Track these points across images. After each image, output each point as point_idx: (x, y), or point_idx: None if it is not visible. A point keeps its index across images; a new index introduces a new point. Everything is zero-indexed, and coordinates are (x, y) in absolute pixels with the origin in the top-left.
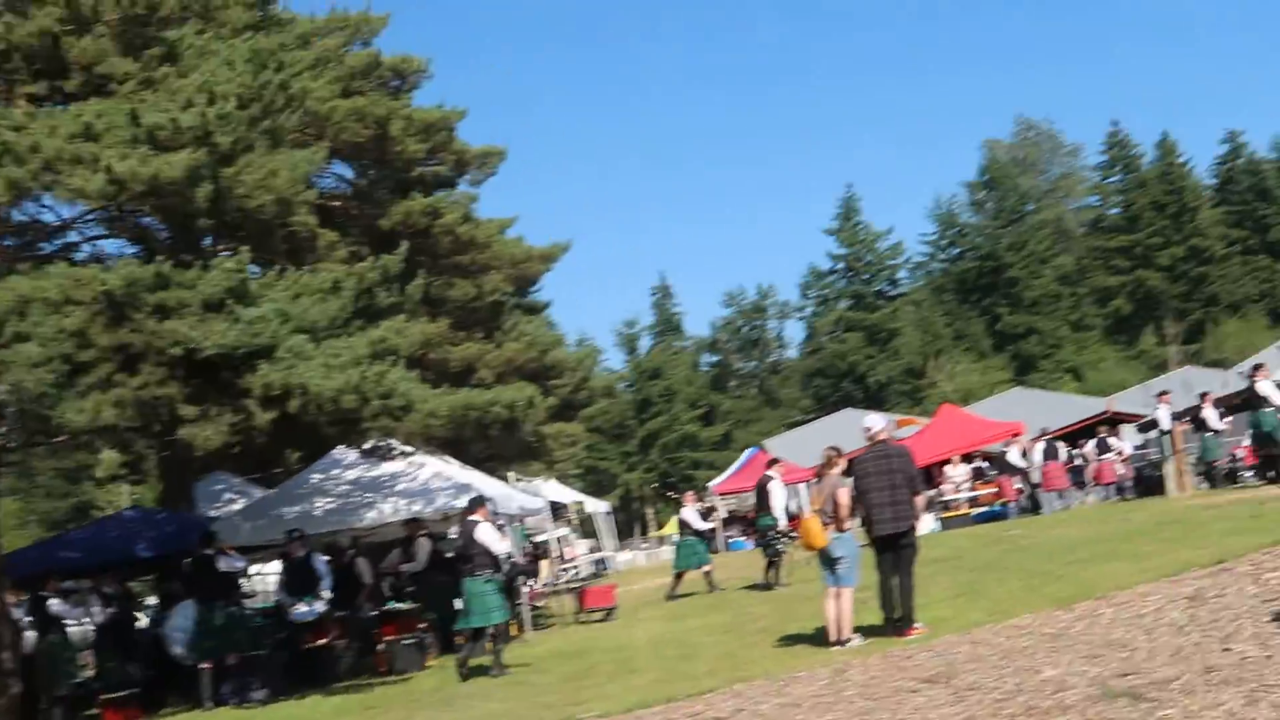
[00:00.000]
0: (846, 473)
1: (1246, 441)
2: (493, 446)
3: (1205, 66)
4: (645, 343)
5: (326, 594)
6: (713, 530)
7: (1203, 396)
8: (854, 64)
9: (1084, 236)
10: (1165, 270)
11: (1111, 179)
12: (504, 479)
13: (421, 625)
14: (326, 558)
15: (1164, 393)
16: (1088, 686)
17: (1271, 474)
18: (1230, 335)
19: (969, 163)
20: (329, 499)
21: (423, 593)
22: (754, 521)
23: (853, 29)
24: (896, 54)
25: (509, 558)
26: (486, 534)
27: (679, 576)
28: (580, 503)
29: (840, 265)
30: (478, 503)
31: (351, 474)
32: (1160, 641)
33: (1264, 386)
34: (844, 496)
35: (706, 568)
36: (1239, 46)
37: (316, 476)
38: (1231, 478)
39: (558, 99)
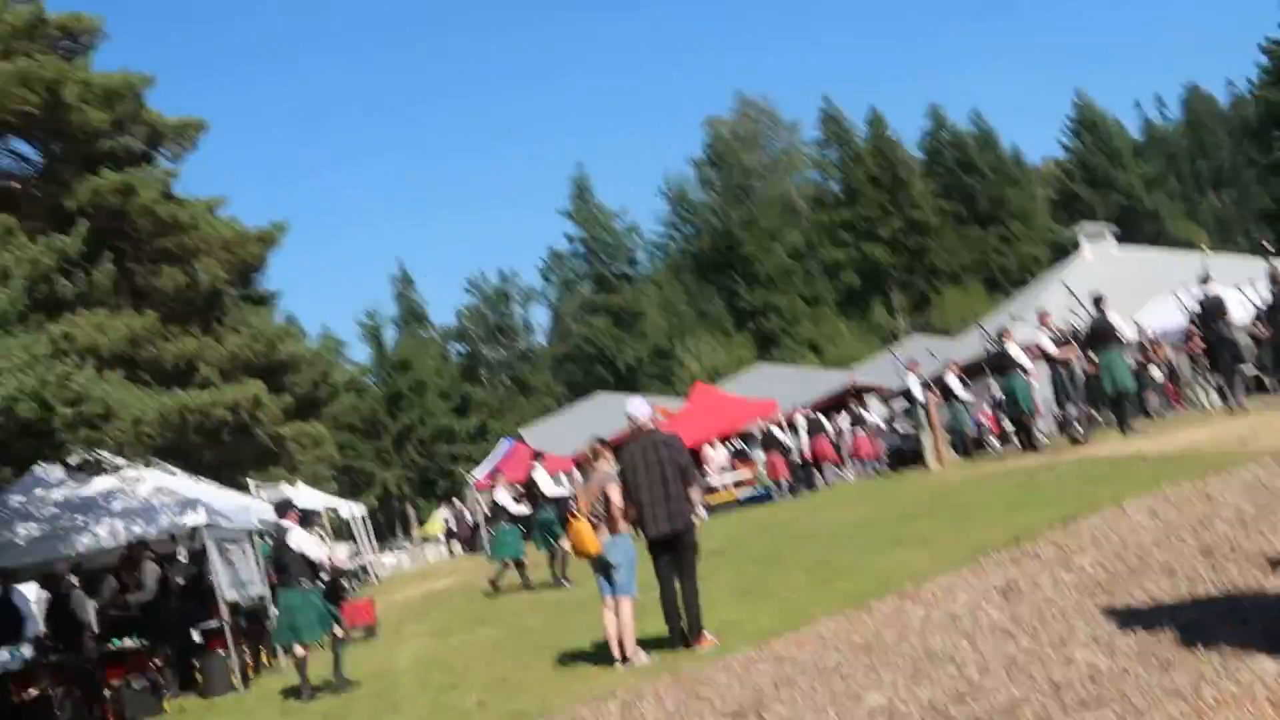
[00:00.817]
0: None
1: (987, 408)
2: (225, 453)
3: (907, 40)
4: (391, 334)
5: (34, 636)
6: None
7: (947, 365)
8: (577, 45)
9: (810, 212)
10: (887, 243)
11: (828, 154)
12: (244, 488)
13: (155, 663)
14: (35, 593)
15: (914, 362)
16: (924, 715)
17: (1025, 441)
18: (953, 304)
19: (694, 140)
20: (34, 525)
21: (153, 626)
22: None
23: (573, 10)
24: (617, 34)
25: (327, 564)
26: (301, 540)
27: (506, 565)
28: (334, 508)
29: (578, 247)
30: (285, 507)
31: (58, 494)
32: (988, 650)
33: (1014, 350)
34: (614, 493)
35: (519, 559)
36: (936, 19)
37: (17, 499)
38: (979, 446)
39: (267, 73)
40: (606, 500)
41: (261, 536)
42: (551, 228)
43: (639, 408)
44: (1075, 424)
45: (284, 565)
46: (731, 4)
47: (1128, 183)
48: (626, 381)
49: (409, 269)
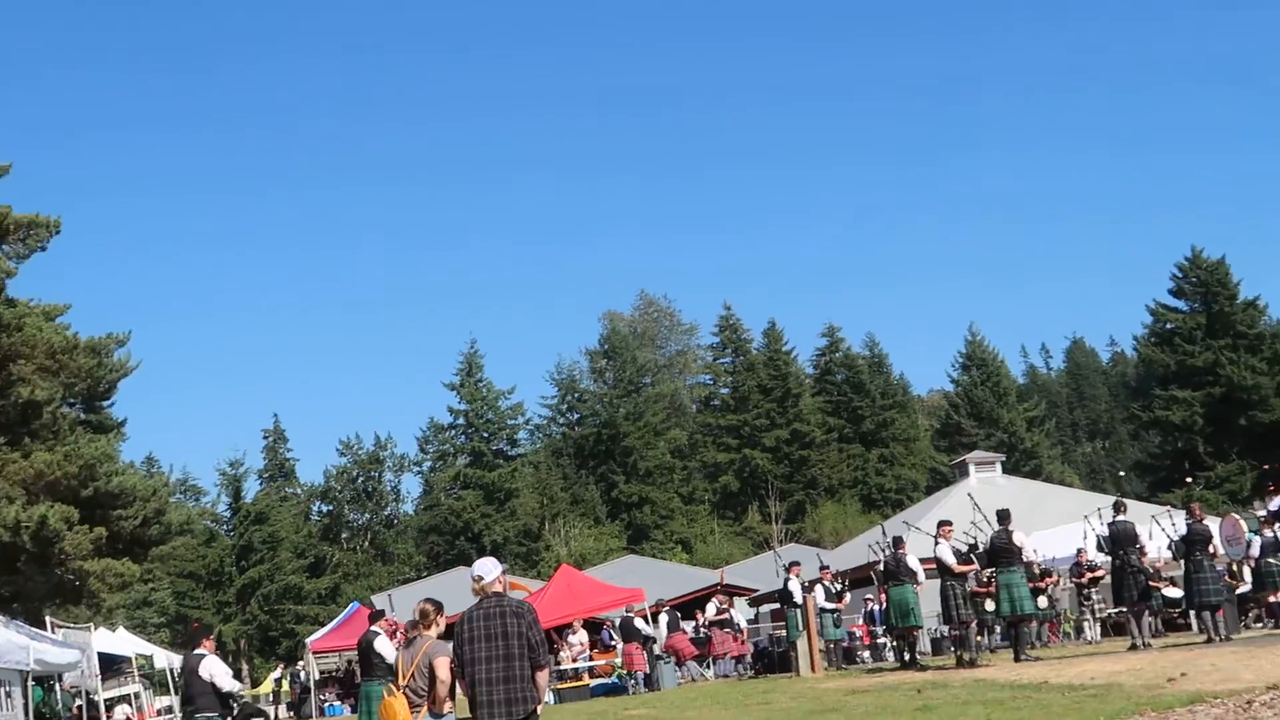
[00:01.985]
0: (448, 635)
1: (860, 619)
2: (15, 582)
3: (809, 259)
4: (254, 486)
5: None
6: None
7: (820, 572)
8: (485, 224)
9: (697, 413)
10: (770, 451)
11: (723, 360)
12: (43, 625)
13: None
14: None
15: (795, 563)
16: None
17: (906, 656)
18: (827, 516)
19: (591, 331)
20: None
21: None
22: (358, 685)
23: (488, 182)
24: (523, 219)
25: (240, 695)
26: (213, 667)
27: None
28: (148, 655)
29: (460, 421)
30: (204, 633)
31: None
32: None
33: (910, 560)
34: (442, 668)
35: None
36: (837, 242)
37: None
38: (849, 657)
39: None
40: (431, 675)
41: (38, 681)
42: (436, 399)
43: (486, 567)
44: (966, 643)
45: (191, 697)
46: (643, 204)
47: (1010, 420)
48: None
49: (283, 424)
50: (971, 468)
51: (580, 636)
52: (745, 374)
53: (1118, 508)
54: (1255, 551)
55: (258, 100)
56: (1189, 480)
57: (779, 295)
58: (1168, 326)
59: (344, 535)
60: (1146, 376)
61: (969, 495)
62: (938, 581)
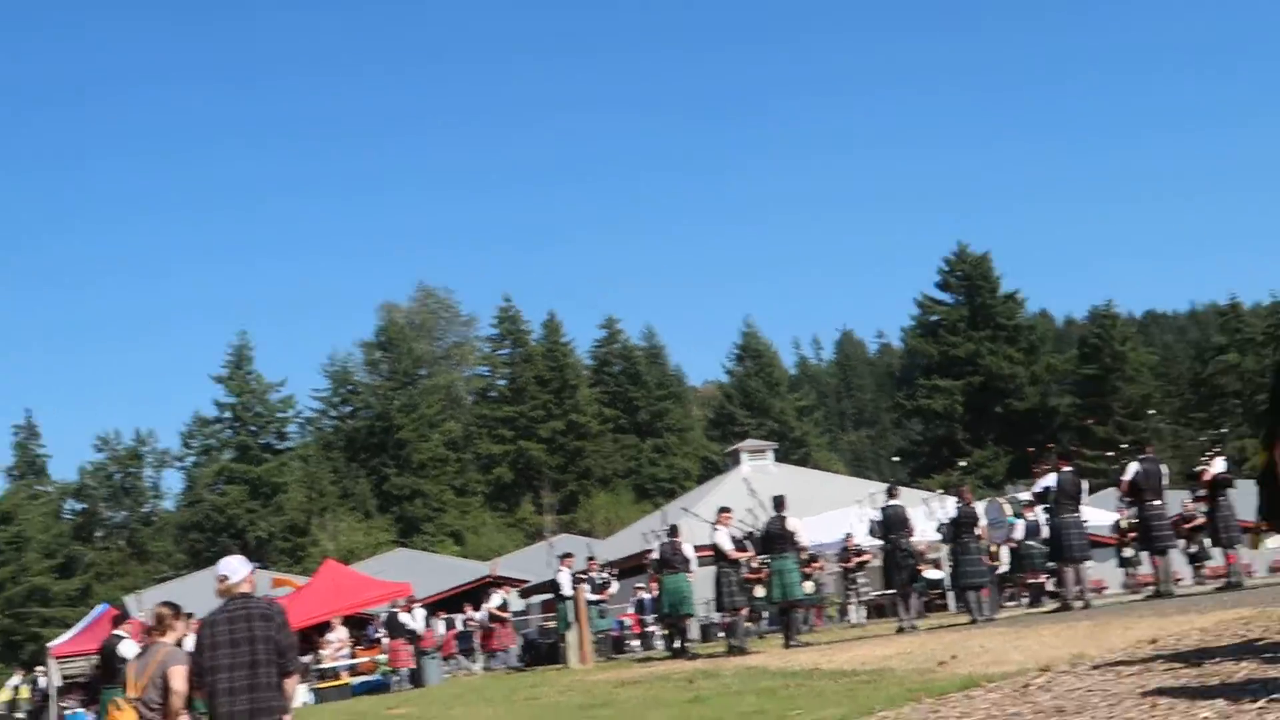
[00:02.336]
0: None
1: (630, 609)
2: None
3: (589, 252)
4: (0, 484)
5: None
6: None
7: (588, 561)
8: (255, 212)
9: (473, 405)
10: (545, 442)
11: (501, 352)
12: None
13: None
14: None
15: (567, 555)
16: None
17: (677, 645)
18: (600, 507)
19: (367, 323)
20: None
21: None
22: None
23: (262, 187)
24: (297, 208)
25: None
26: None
27: None
28: None
29: (228, 415)
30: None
31: None
32: None
33: (687, 548)
34: (178, 678)
35: None
36: (616, 236)
37: None
38: (619, 647)
39: None
40: (165, 687)
41: None
42: (202, 392)
43: (232, 566)
44: (736, 631)
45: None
46: (422, 195)
47: (781, 410)
48: (255, 554)
49: (36, 419)
50: (744, 456)
51: (339, 634)
52: (523, 365)
53: (891, 492)
54: (1019, 534)
55: None
56: (961, 465)
57: (559, 288)
58: (933, 318)
59: (98, 534)
60: (911, 366)
61: (744, 480)
62: (713, 568)
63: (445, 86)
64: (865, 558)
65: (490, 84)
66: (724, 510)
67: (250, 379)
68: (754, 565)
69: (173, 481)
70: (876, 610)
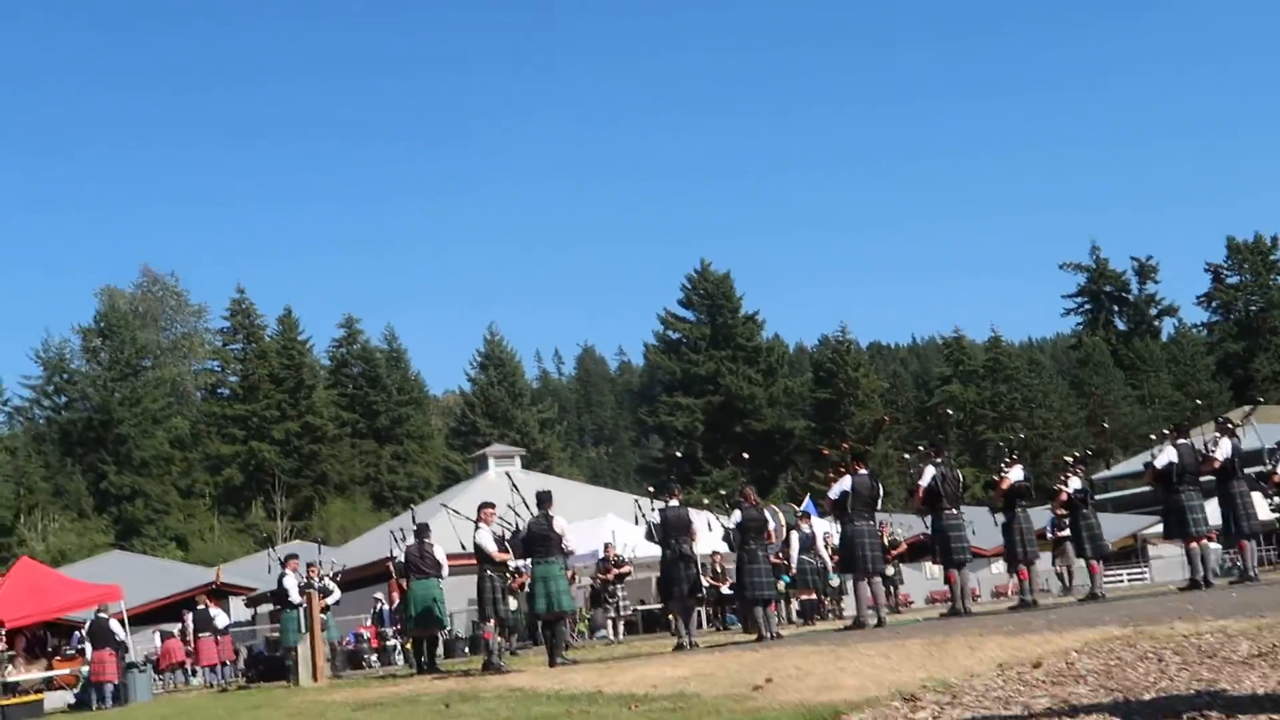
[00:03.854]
0: None
1: (368, 620)
2: None
3: (329, 246)
4: None
5: None
6: None
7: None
8: None
9: (201, 401)
10: (279, 444)
11: (233, 346)
12: None
13: None
14: None
15: (291, 557)
16: None
17: (424, 660)
18: (336, 514)
19: (86, 308)
20: None
21: None
22: None
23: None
24: (23, 182)
25: None
26: None
27: None
28: None
29: None
30: None
31: None
32: None
33: (437, 551)
34: None
35: None
36: (354, 243)
37: None
38: (355, 662)
39: None
40: None
41: None
42: None
43: None
44: (497, 644)
45: None
46: (154, 174)
47: (524, 421)
48: None
49: None
50: (491, 461)
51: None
52: (256, 362)
53: (669, 492)
54: (795, 549)
55: None
56: (749, 478)
57: (296, 282)
58: (675, 335)
59: None
60: (652, 383)
61: (507, 474)
62: (465, 575)
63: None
64: (625, 570)
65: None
66: (486, 506)
67: None
68: (519, 569)
69: None
70: (629, 627)
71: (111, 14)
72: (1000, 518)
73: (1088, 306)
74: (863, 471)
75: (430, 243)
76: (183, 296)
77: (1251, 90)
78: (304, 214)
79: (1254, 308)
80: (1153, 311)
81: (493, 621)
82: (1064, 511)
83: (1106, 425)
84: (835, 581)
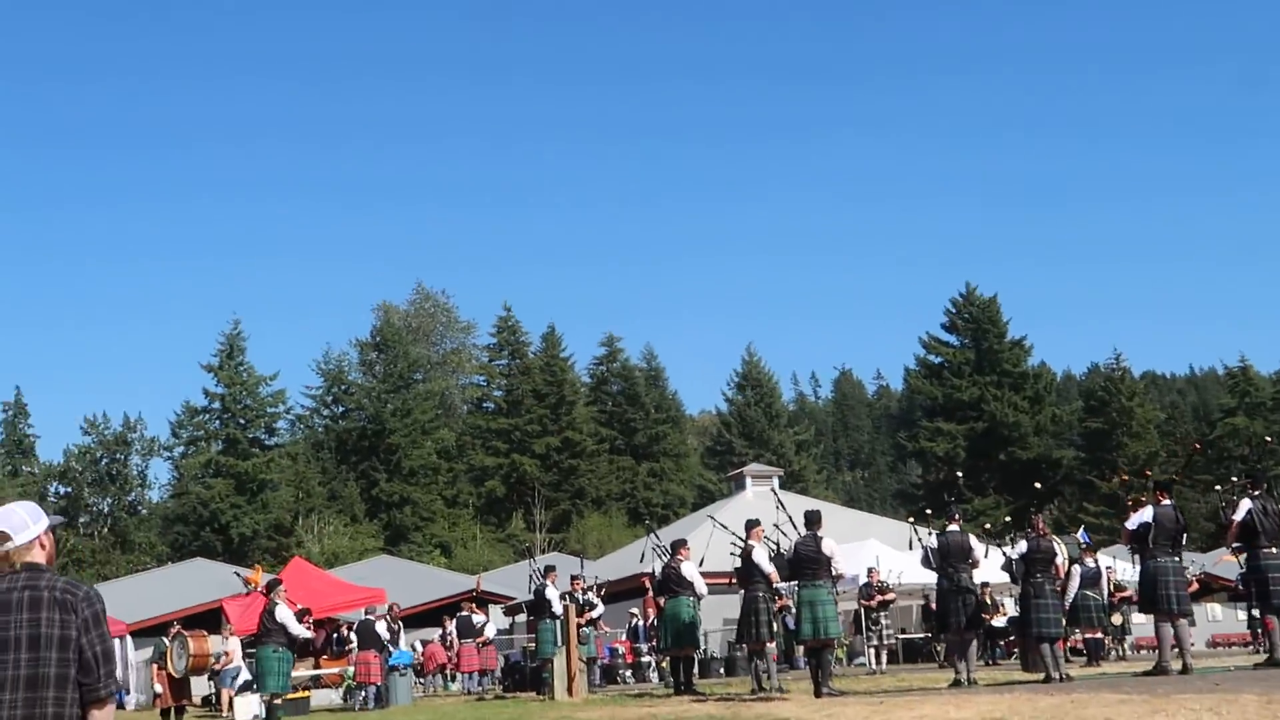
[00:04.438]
0: None
1: (623, 635)
2: None
3: (593, 269)
4: None
5: None
6: None
7: (573, 580)
8: (251, 200)
9: (468, 414)
10: (539, 458)
11: (499, 362)
12: None
13: None
14: None
15: (551, 568)
16: None
17: (682, 679)
18: (592, 528)
19: (363, 323)
20: None
21: None
22: None
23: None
24: (296, 199)
25: None
26: None
27: None
28: None
29: (216, 405)
30: None
31: None
32: None
33: (688, 568)
34: None
35: None
36: (615, 261)
37: None
38: (610, 677)
39: None
40: None
41: None
42: (192, 380)
43: (10, 517)
44: (769, 669)
45: None
46: (424, 192)
47: (780, 442)
48: (237, 551)
49: (25, 398)
50: (749, 480)
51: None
52: (520, 378)
53: (950, 516)
54: (1075, 583)
55: None
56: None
57: (560, 301)
58: (937, 359)
59: (82, 520)
60: (911, 408)
61: (773, 491)
62: (727, 594)
63: (464, 95)
64: (890, 596)
65: (506, 96)
66: (755, 524)
67: (242, 370)
68: (778, 591)
69: (160, 470)
70: (890, 656)
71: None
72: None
73: None
74: (1166, 502)
75: (692, 260)
76: (453, 313)
77: None
78: (569, 231)
79: None
80: None
81: (769, 644)
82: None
83: None
84: (1118, 620)
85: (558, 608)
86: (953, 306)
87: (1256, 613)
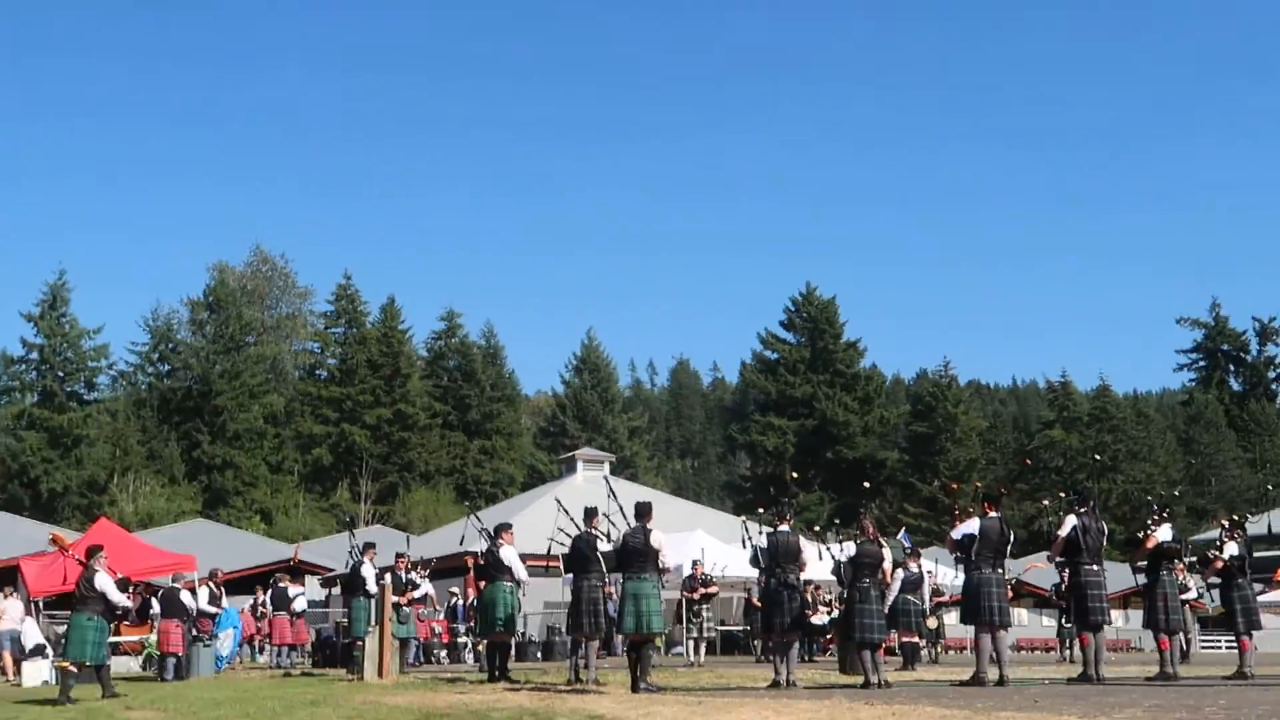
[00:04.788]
0: None
1: (442, 615)
2: None
3: (429, 241)
4: None
5: None
6: None
7: (397, 558)
8: (89, 153)
9: (298, 380)
10: (370, 429)
11: (335, 330)
12: None
13: None
14: None
15: (370, 545)
16: None
17: (496, 664)
18: (419, 502)
19: (197, 282)
20: None
21: None
22: None
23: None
24: (138, 154)
25: None
26: None
27: None
28: None
29: (34, 356)
30: None
31: None
32: None
33: (507, 553)
34: None
35: None
36: (460, 238)
37: None
38: (426, 657)
39: None
40: None
41: None
42: (9, 329)
43: None
44: (582, 660)
45: None
46: (266, 157)
47: (614, 427)
48: (46, 507)
49: None
50: (580, 464)
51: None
52: (356, 347)
53: (780, 516)
54: (896, 587)
55: None
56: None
57: (403, 275)
58: (773, 355)
59: None
60: (745, 401)
61: (605, 479)
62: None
63: (321, 81)
64: (713, 589)
65: (365, 87)
66: (593, 513)
67: (64, 321)
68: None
69: None
70: (710, 647)
71: None
72: (1142, 579)
73: (1202, 364)
74: (993, 515)
75: (535, 244)
76: (291, 278)
77: None
78: (414, 207)
79: None
80: (1271, 374)
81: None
82: (1217, 579)
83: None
84: (934, 624)
85: (373, 587)
86: (792, 305)
87: (1068, 624)
